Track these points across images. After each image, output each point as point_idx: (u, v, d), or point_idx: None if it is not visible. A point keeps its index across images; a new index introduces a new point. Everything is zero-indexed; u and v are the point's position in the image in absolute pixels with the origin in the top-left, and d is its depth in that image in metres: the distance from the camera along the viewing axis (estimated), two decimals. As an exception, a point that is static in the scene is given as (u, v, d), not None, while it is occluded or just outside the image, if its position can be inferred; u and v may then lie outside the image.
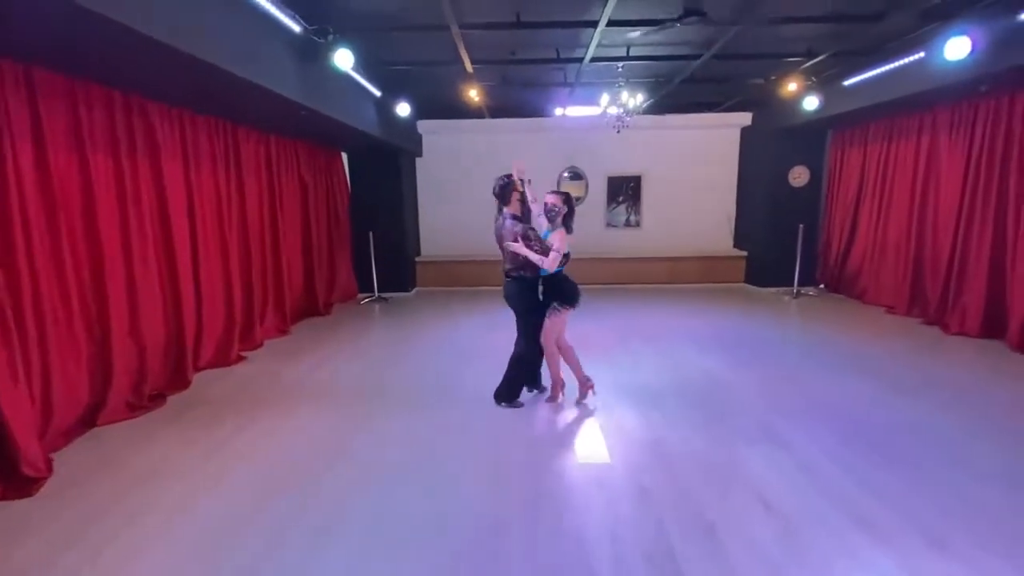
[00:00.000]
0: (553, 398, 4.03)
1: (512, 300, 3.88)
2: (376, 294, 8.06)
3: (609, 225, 9.30)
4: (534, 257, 3.56)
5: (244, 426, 3.66)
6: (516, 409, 3.89)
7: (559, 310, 3.77)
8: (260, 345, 5.62)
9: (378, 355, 5.51)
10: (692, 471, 2.96)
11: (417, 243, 9.18)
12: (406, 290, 8.53)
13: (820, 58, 5.44)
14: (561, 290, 3.80)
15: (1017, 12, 3.92)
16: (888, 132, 6.83)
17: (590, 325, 6.13)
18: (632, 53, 5.51)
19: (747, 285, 8.88)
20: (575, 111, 8.20)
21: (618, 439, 3.45)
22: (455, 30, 4.34)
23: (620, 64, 5.79)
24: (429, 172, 9.09)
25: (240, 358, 5.14)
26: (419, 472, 3.03)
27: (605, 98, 6.09)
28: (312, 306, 7.04)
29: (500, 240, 3.75)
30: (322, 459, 3.20)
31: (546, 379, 4.14)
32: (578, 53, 5.36)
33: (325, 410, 3.98)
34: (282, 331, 6.14)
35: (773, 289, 8.34)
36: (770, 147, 8.13)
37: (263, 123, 5.53)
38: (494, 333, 6.09)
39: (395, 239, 8.27)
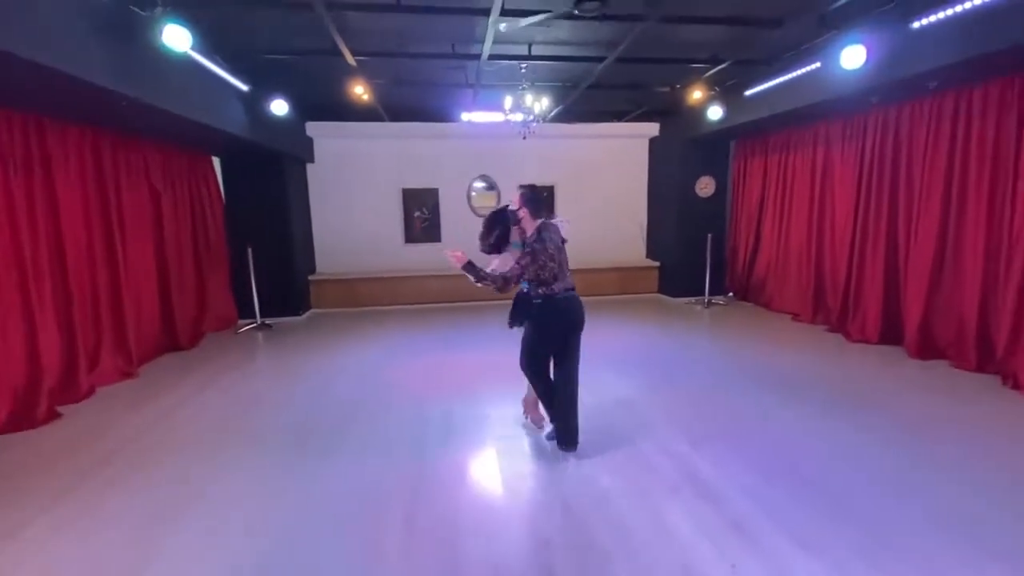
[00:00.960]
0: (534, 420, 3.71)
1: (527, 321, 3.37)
2: (258, 320, 6.99)
3: (523, 237, 8.86)
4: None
5: (28, 521, 2.67)
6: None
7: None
8: (89, 394, 4.47)
9: (245, 395, 4.57)
10: (603, 527, 2.45)
11: (311, 259, 8.18)
12: (296, 313, 7.51)
13: (723, 65, 5.32)
14: (526, 305, 3.42)
15: (910, 21, 3.89)
16: (787, 143, 6.96)
17: (503, 346, 5.71)
18: (535, 52, 5.08)
19: (661, 295, 8.81)
20: (482, 116, 7.68)
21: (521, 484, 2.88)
22: (321, 10, 3.62)
23: (523, 65, 5.34)
24: (323, 180, 8.15)
25: (52, 415, 4.00)
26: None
27: (508, 101, 5.60)
28: (171, 339, 5.88)
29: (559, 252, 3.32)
30: (137, 551, 2.33)
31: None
32: (475, 49, 4.83)
33: (158, 479, 3.06)
34: (125, 373, 4.98)
35: (685, 299, 8.29)
36: (677, 157, 8.10)
37: (85, 117, 4.43)
38: (398, 362, 5.37)
39: (281, 255, 7.25)
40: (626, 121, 8.36)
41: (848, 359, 5.19)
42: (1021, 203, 4.18)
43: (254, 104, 5.58)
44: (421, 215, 8.52)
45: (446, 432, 3.65)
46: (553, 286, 3.15)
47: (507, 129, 7.70)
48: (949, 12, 3.68)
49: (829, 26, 4.21)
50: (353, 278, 8.13)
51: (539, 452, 3.37)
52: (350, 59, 4.75)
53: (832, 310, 6.28)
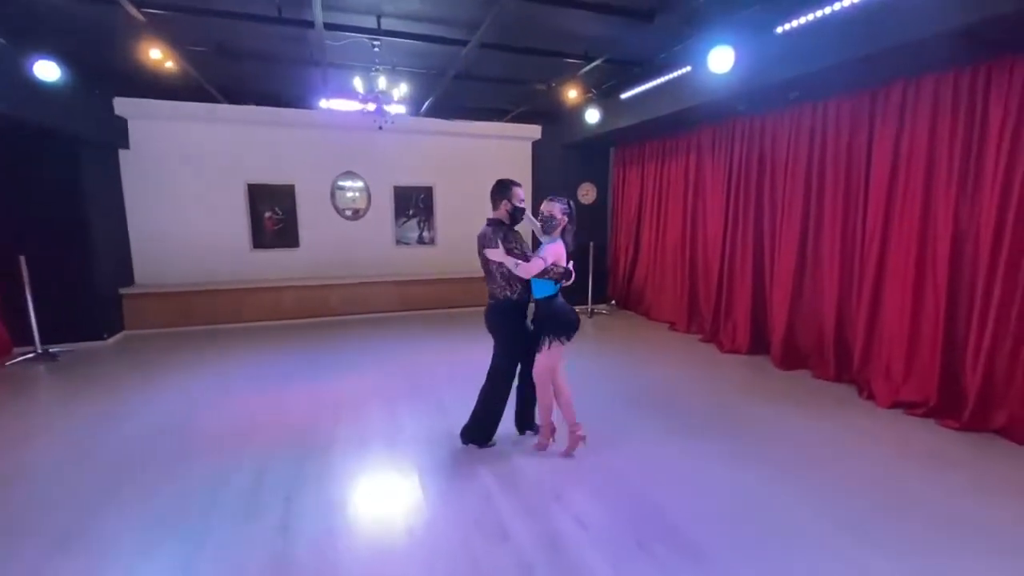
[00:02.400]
0: (542, 445, 3.33)
1: (496, 330, 3.23)
2: (38, 348, 5.39)
3: (399, 242, 8.01)
4: (510, 262, 3.00)
5: None
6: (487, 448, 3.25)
7: (555, 343, 3.07)
8: None
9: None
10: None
11: (125, 268, 6.61)
12: (99, 337, 5.96)
13: (597, 62, 4.98)
14: (555, 318, 3.09)
15: (775, 26, 3.75)
16: (662, 151, 6.91)
17: (369, 370, 4.79)
18: (385, 27, 4.32)
19: (546, 305, 8.44)
20: (344, 105, 6.73)
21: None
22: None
23: (375, 43, 4.55)
24: (144, 171, 6.63)
25: None
26: None
27: (359, 83, 4.77)
28: None
29: (480, 250, 3.13)
30: None
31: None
32: (308, 15, 3.95)
33: None
34: None
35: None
36: (559, 162, 7.79)
37: None
38: (223, 397, 4.25)
39: (73, 265, 5.69)
40: (507, 121, 7.89)
41: (717, 371, 5.06)
42: (872, 216, 4.26)
43: (10, 66, 4.17)
44: (274, 215, 7.32)
45: (244, 513, 2.74)
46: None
47: (389, 123, 6.89)
48: (811, 17, 3.57)
49: (696, 25, 3.97)
50: (185, 291, 6.71)
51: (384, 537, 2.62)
52: (134, 12, 3.64)
53: (705, 320, 6.26)
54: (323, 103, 6.79)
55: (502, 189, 3.27)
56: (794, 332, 5.04)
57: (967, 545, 2.41)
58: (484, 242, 3.10)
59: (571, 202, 3.23)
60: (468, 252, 8.62)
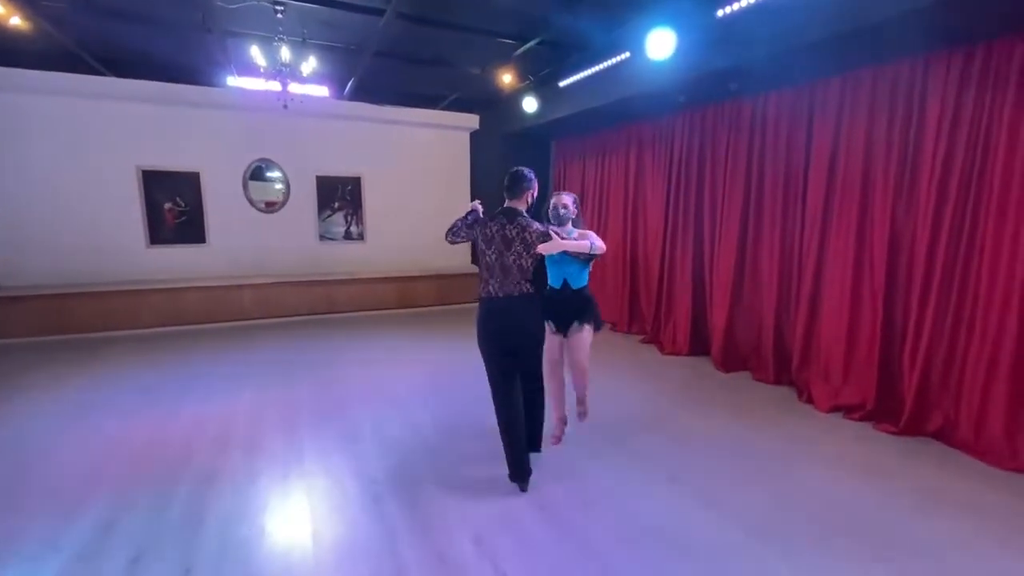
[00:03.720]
0: (559, 438, 3.31)
1: (527, 326, 2.85)
2: None
3: (324, 238, 7.34)
4: (584, 244, 2.84)
5: None
6: None
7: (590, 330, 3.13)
8: None
9: None
10: None
11: (-15, 267, 5.60)
12: (-57, 350, 4.98)
13: (531, 44, 4.60)
14: (595, 304, 3.19)
15: (715, 8, 3.49)
16: (603, 145, 6.64)
17: (282, 383, 4.09)
18: (286, -12, 3.75)
19: (486, 305, 8.03)
20: (253, 83, 6.01)
21: None
22: None
23: (278, 7, 3.95)
24: (8, 152, 5.63)
25: None
26: None
27: (257, 53, 4.14)
28: None
29: (508, 245, 2.77)
30: None
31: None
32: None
33: None
34: None
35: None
36: (499, 155, 7.38)
37: None
38: (93, 425, 3.51)
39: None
40: (442, 109, 7.40)
41: (657, 376, 4.80)
42: (810, 216, 4.13)
43: None
44: (175, 207, 6.46)
45: None
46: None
47: (298, 103, 6.23)
48: (751, 0, 3.34)
49: (633, 7, 3.67)
50: (61, 293, 5.77)
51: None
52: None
53: (647, 320, 6.06)
54: (230, 81, 6.04)
55: (527, 180, 2.92)
56: (734, 333, 4.89)
57: (907, 569, 2.21)
58: (537, 237, 2.73)
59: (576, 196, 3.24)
60: (402, 249, 8.12)
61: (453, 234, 2.91)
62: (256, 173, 6.82)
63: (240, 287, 6.54)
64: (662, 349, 5.52)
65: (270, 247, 6.94)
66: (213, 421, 3.64)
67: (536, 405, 3.02)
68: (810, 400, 4.05)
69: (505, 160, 7.38)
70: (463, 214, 2.95)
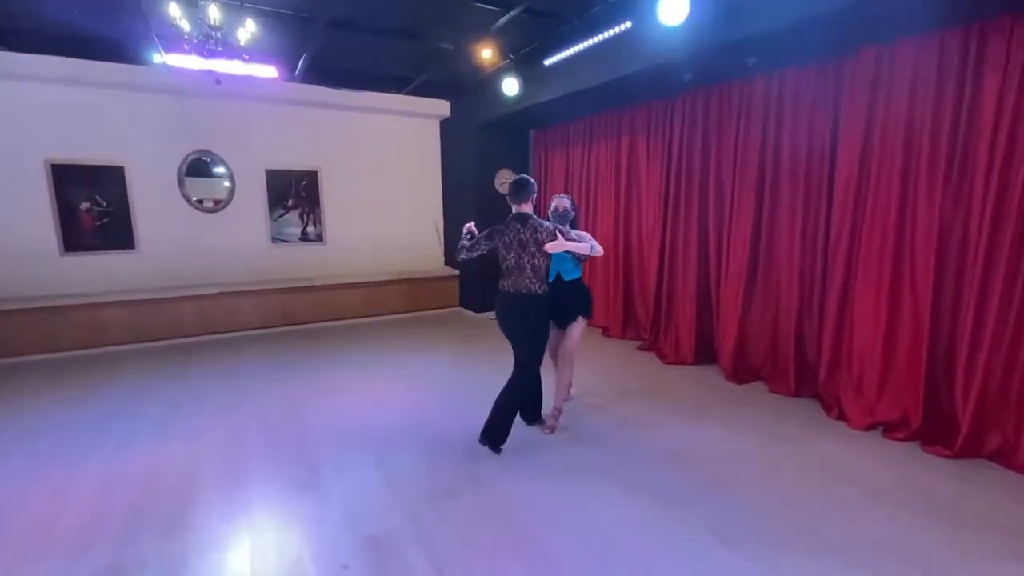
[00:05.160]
0: (552, 428, 3.41)
1: (534, 326, 3.11)
2: None
3: (277, 240, 6.47)
4: (585, 247, 3.08)
5: None
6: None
7: (584, 320, 3.46)
8: None
9: None
10: None
11: None
12: None
13: (514, 12, 3.95)
14: (586, 296, 3.52)
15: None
16: (589, 133, 6.05)
17: (220, 416, 3.23)
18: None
19: (463, 310, 7.36)
20: (187, 62, 5.09)
21: None
22: None
23: (203, -45, 3.15)
24: None
25: None
26: None
27: (176, 12, 3.31)
28: None
29: (538, 243, 2.99)
30: None
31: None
32: None
33: None
34: None
35: (491, 314, 6.97)
36: (473, 145, 6.69)
37: None
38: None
39: None
40: (409, 93, 6.64)
41: (662, 388, 4.26)
42: (839, 205, 3.65)
43: None
44: (95, 207, 5.49)
45: None
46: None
47: (242, 87, 5.39)
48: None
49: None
50: (-51, 313, 4.76)
51: None
52: None
53: (643, 325, 5.54)
54: (157, 58, 5.12)
55: (531, 186, 3.14)
56: (747, 341, 4.40)
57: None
58: (547, 236, 3.01)
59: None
60: (367, 251, 7.32)
61: (467, 251, 3.13)
62: (194, 167, 5.90)
63: (177, 300, 5.63)
64: (664, 358, 4.99)
65: (213, 252, 6.04)
66: (129, 481, 2.85)
67: (519, 387, 3.16)
68: (842, 416, 3.59)
69: (480, 150, 6.70)
70: (463, 235, 3.23)
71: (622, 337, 5.77)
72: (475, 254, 3.11)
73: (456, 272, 7.32)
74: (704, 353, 4.82)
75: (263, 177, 6.27)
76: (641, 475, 2.90)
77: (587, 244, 3.12)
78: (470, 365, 4.94)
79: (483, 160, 6.76)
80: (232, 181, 6.09)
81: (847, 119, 3.54)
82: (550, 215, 3.41)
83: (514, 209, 3.11)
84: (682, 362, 4.86)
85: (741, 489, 2.76)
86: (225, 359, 5.10)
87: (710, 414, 3.76)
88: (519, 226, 3.03)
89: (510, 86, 5.14)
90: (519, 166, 7.04)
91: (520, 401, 3.27)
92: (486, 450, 3.15)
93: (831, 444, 3.28)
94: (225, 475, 2.90)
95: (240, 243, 6.20)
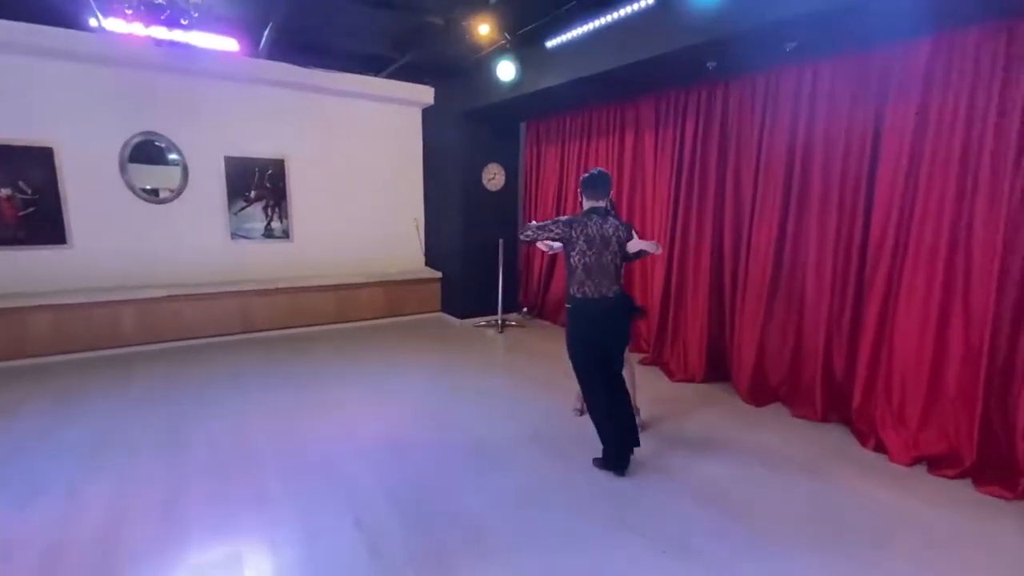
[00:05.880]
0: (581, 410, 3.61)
1: (622, 326, 2.98)
2: None
3: (237, 236, 5.76)
4: (651, 246, 2.75)
5: None
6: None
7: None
8: None
9: None
10: None
11: None
12: None
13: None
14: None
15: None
16: (588, 127, 5.58)
17: (156, 452, 2.50)
18: None
19: (444, 315, 6.79)
20: (133, 28, 4.34)
21: None
22: None
23: None
24: None
25: None
26: None
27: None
28: None
29: (622, 242, 2.82)
30: None
31: None
32: None
33: None
34: None
35: (476, 321, 6.44)
36: (459, 136, 6.12)
37: None
38: None
39: None
40: (389, 77, 6.03)
41: (671, 410, 3.83)
42: (878, 216, 3.27)
43: None
44: (16, 194, 4.70)
45: None
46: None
47: (202, 62, 4.71)
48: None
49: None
50: None
51: None
52: None
53: (646, 337, 5.10)
54: (93, 22, 4.37)
55: (609, 177, 2.93)
56: (766, 359, 4.01)
57: None
58: (627, 233, 2.85)
59: None
60: (340, 249, 6.65)
61: (535, 232, 2.81)
62: (140, 151, 5.15)
63: (116, 303, 4.88)
64: (671, 375, 4.56)
65: (161, 249, 5.30)
66: (27, 548, 2.19)
67: (625, 402, 2.90)
68: (881, 447, 3.21)
69: (467, 142, 6.15)
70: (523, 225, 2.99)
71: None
72: (543, 237, 2.83)
73: (438, 275, 6.74)
74: (716, 371, 4.41)
75: (221, 165, 5.54)
76: (670, 528, 2.43)
77: (654, 242, 2.92)
78: (456, 379, 4.40)
79: (470, 153, 6.20)
80: (185, 168, 5.35)
81: (894, 115, 3.15)
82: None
83: (586, 205, 2.89)
84: (691, 380, 4.44)
85: (789, 543, 2.32)
86: (171, 373, 4.40)
87: (734, 444, 3.33)
88: (600, 220, 2.80)
89: (506, 70, 4.61)
90: (509, 161, 6.52)
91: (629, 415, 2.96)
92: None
93: (875, 481, 2.90)
94: (157, 537, 2.28)
95: (193, 240, 5.47)
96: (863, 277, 3.41)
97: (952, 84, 2.92)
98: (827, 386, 3.63)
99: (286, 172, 5.93)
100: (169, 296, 5.09)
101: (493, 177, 6.40)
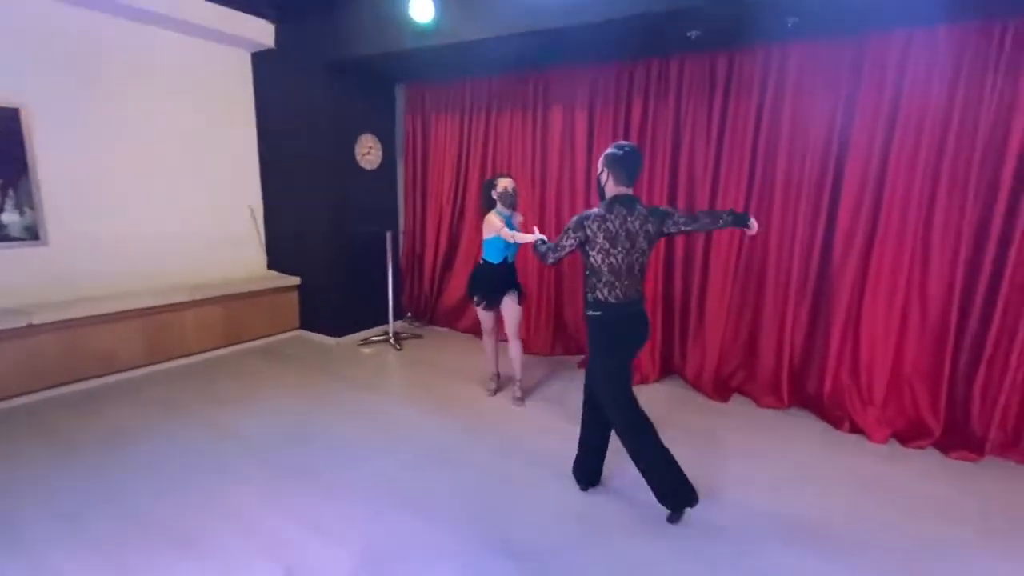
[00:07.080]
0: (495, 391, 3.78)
1: (648, 331, 2.56)
2: None
3: (-78, 240, 3.24)
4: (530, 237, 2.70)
5: None
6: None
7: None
8: None
9: None
10: None
11: None
12: None
13: None
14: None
15: None
16: (496, 98, 4.70)
17: None
18: None
19: (306, 334, 5.19)
20: None
21: None
22: None
23: None
24: None
25: None
26: None
27: None
28: None
29: (633, 241, 2.33)
30: None
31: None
32: None
33: None
34: None
35: (355, 336, 5.07)
36: (321, 96, 4.55)
37: None
38: None
39: None
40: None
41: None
42: (846, 204, 3.33)
43: None
44: None
45: None
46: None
47: None
48: None
49: None
50: None
51: None
52: None
53: (574, 337, 4.63)
54: None
55: (642, 161, 2.47)
56: (727, 352, 3.91)
57: None
58: (662, 223, 2.41)
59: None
60: (136, 255, 4.16)
61: (554, 252, 2.43)
62: None
63: None
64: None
65: None
66: None
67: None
68: (855, 429, 3.35)
69: (334, 104, 4.67)
70: (536, 243, 2.58)
71: (551, 353, 4.73)
72: (564, 253, 2.39)
73: (294, 280, 5.06)
74: (669, 368, 4.19)
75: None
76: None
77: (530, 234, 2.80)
78: (415, 453, 3.20)
79: (339, 120, 4.69)
80: None
81: (864, 105, 3.20)
82: (498, 197, 3.32)
83: (609, 191, 2.37)
84: (645, 380, 4.12)
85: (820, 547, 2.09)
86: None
87: (720, 442, 3.15)
88: (625, 212, 2.30)
89: (423, 9, 3.43)
90: (385, 133, 5.20)
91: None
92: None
93: (856, 460, 2.99)
94: None
95: None
96: (830, 266, 3.47)
97: (924, 79, 3.04)
98: (791, 374, 3.68)
99: (23, 131, 3.57)
100: None
101: (368, 152, 5.02)
